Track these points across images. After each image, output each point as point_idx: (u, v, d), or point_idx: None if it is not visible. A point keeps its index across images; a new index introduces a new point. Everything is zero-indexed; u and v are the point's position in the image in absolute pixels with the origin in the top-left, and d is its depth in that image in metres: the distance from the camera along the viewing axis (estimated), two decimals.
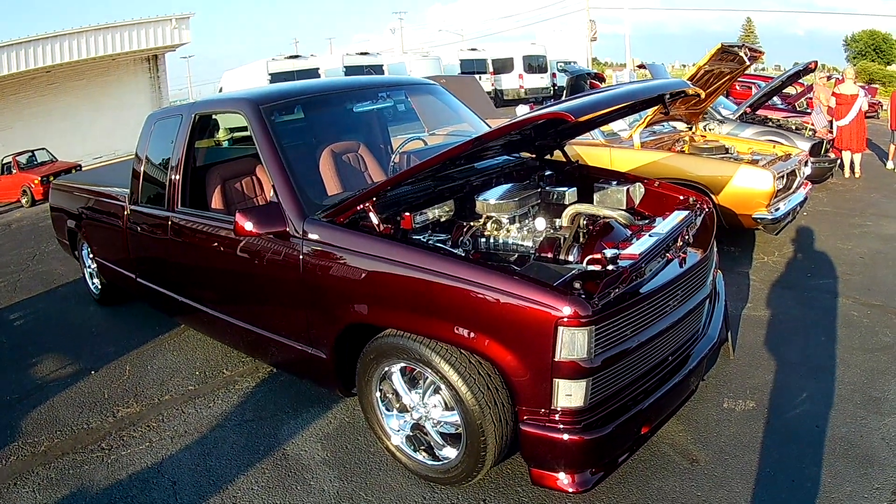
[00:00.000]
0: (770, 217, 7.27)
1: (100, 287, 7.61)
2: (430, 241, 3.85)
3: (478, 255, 3.84)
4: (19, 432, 5.03)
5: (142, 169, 5.80)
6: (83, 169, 20.73)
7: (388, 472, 4.03)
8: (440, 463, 3.76)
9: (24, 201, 21.32)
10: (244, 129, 4.90)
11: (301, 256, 3.98)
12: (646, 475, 3.81)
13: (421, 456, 3.86)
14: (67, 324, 7.46)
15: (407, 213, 3.86)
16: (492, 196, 4.01)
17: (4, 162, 23.30)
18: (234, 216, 4.00)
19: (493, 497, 3.72)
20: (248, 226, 3.91)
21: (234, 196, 5.34)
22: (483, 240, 3.94)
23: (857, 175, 12.26)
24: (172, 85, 38.78)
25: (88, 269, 7.79)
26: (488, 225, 3.99)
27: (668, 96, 4.25)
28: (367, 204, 3.77)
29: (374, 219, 3.74)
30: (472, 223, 4.02)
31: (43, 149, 24.15)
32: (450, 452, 3.70)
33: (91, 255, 7.42)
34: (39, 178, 20.68)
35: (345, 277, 3.78)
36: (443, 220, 4.11)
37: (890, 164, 13.21)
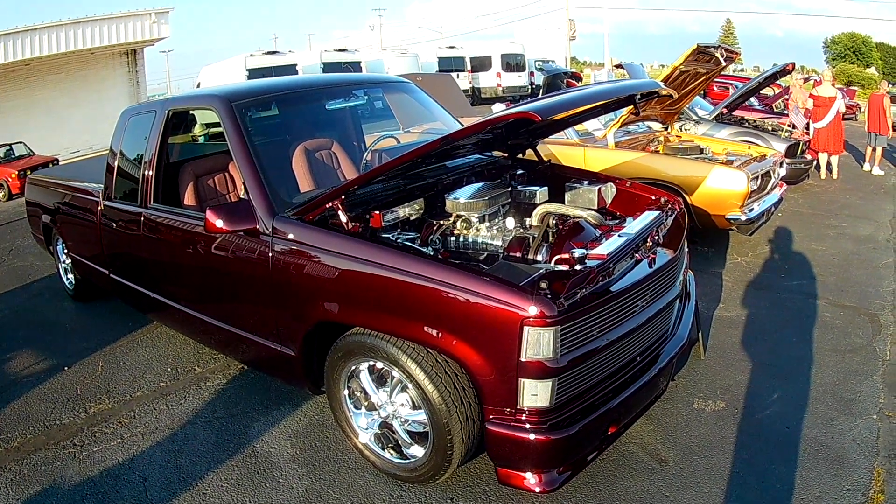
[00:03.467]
0: (744, 218, 7.32)
1: (74, 283, 7.56)
2: (400, 240, 3.85)
3: (447, 254, 3.85)
4: None
5: (116, 164, 5.76)
6: (60, 163, 20.59)
7: (357, 470, 4.04)
8: (408, 461, 3.77)
9: (0, 195, 21.18)
10: (218, 124, 4.88)
11: (270, 254, 3.98)
12: (614, 475, 3.83)
13: (389, 454, 3.86)
14: (41, 319, 7.40)
15: (376, 212, 3.86)
16: (462, 195, 4.02)
17: None
18: (205, 213, 4.00)
19: (460, 496, 3.73)
20: (219, 223, 3.90)
21: (206, 193, 5.32)
22: (453, 238, 3.95)
23: (833, 177, 12.36)
24: (151, 79, 38.62)
25: (63, 265, 7.74)
26: (458, 224, 4.00)
27: (638, 97, 4.26)
28: (335, 202, 3.76)
29: (342, 217, 3.74)
30: (442, 222, 4.03)
31: (20, 142, 23.97)
32: (417, 451, 3.71)
33: (66, 251, 7.37)
34: (17, 172, 20.51)
35: (313, 275, 3.78)
36: (413, 218, 4.11)
37: (867, 167, 13.32)
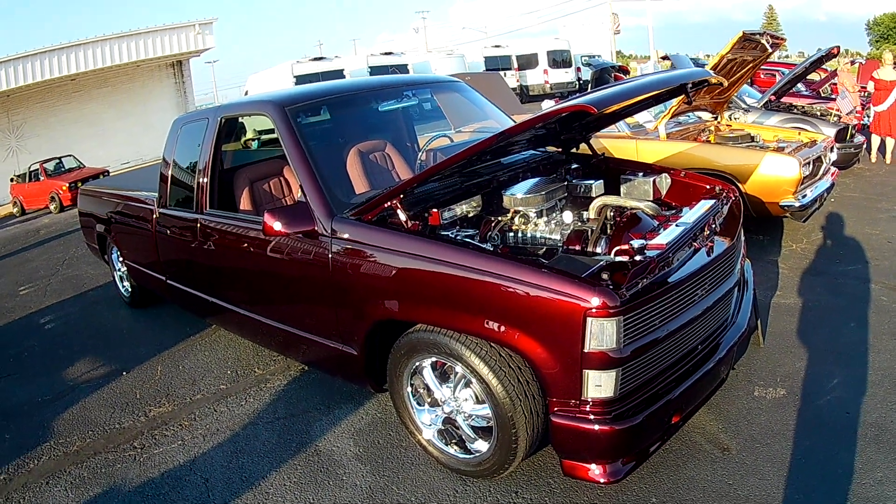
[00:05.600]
0: (797, 204, 7.23)
1: (130, 290, 7.69)
2: (458, 237, 3.86)
3: (506, 250, 3.85)
4: (52, 433, 5.12)
5: (169, 173, 5.86)
6: (110, 174, 20.92)
7: (420, 466, 4.06)
8: (472, 456, 3.78)
9: (52, 207, 21.62)
10: (271, 131, 4.94)
11: (330, 255, 4.01)
12: (677, 464, 3.81)
13: (452, 449, 3.88)
14: (98, 326, 7.55)
15: (434, 210, 3.89)
16: (519, 190, 4.03)
17: (32, 169, 23.63)
18: (262, 217, 4.05)
19: (524, 489, 3.73)
20: (277, 226, 3.95)
21: (262, 197, 5.38)
22: (511, 234, 3.96)
23: (886, 161, 12.11)
24: (197, 90, 39.07)
25: (118, 273, 7.88)
26: (516, 219, 4.00)
27: (690, 86, 4.25)
28: (394, 201, 3.79)
29: (401, 215, 3.76)
30: (499, 218, 4.04)
31: (70, 155, 24.47)
32: (481, 445, 3.72)
33: (121, 259, 7.50)
34: (67, 185, 20.97)
35: (374, 274, 3.81)
36: (470, 215, 4.12)
37: None
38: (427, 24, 62.11)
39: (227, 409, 5.07)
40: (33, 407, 5.64)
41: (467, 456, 3.81)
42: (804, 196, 7.35)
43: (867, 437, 3.89)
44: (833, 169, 8.44)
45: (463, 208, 4.07)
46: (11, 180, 25.01)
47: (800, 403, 4.31)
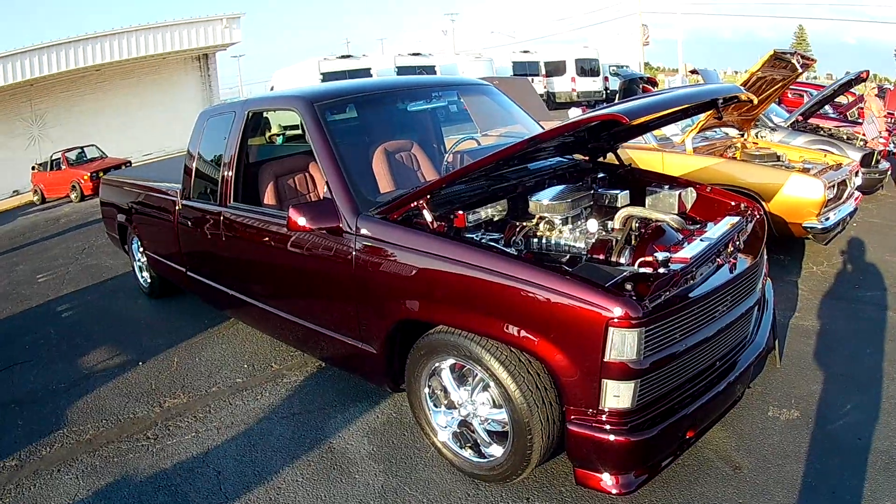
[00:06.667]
0: (820, 226, 7.19)
1: (149, 280, 7.74)
2: (483, 240, 3.86)
3: (530, 255, 3.85)
4: (65, 420, 5.15)
5: (194, 165, 5.90)
6: (132, 165, 21.03)
7: (434, 467, 4.06)
8: (486, 460, 3.78)
9: (73, 196, 21.73)
10: (295, 126, 4.95)
11: (353, 252, 4.03)
12: (688, 480, 3.79)
13: (467, 453, 3.88)
14: (116, 316, 7.60)
15: (460, 212, 3.90)
16: (545, 196, 4.02)
17: (53, 158, 23.76)
18: (287, 212, 4.06)
19: (536, 496, 3.73)
20: (302, 221, 3.97)
21: (286, 192, 5.40)
22: (535, 240, 3.95)
23: None
24: (223, 83, 39.25)
25: (138, 263, 7.92)
26: (541, 225, 4.00)
27: (721, 101, 4.24)
28: (421, 201, 3.80)
29: (427, 216, 3.77)
30: (524, 223, 4.04)
31: (92, 145, 24.58)
32: (496, 450, 3.72)
33: (141, 249, 7.54)
34: (89, 174, 21.07)
35: (397, 273, 3.82)
36: (496, 219, 4.13)
37: None
38: (455, 26, 62.24)
39: (243, 403, 5.08)
40: (47, 394, 5.67)
41: (481, 460, 3.81)
42: (827, 219, 7.31)
43: (877, 465, 3.86)
44: (857, 193, 8.39)
45: (488, 212, 4.07)
46: (33, 168, 25.15)
47: (813, 426, 4.28)
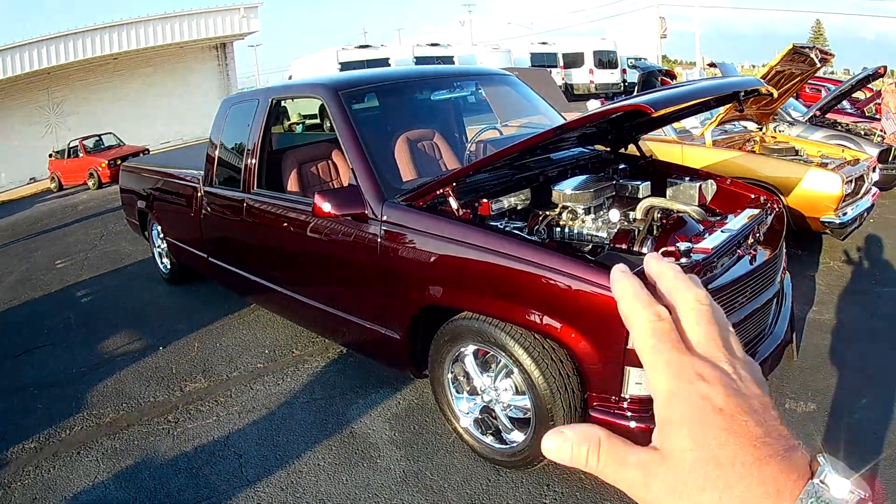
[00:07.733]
0: (838, 221, 7.19)
1: (169, 266, 7.79)
2: (507, 228, 3.89)
3: (553, 244, 3.88)
4: (85, 404, 5.20)
5: (216, 152, 5.93)
6: (150, 153, 21.11)
7: (455, 453, 4.09)
8: (507, 446, 3.82)
9: (90, 184, 21.81)
10: (314, 115, 4.98)
11: (378, 239, 4.05)
12: None
13: (488, 439, 3.91)
14: (136, 301, 7.65)
15: (485, 200, 3.93)
16: (568, 186, 4.04)
17: (71, 146, 23.84)
18: (311, 198, 4.11)
19: (556, 482, 3.76)
20: (327, 207, 3.99)
21: (309, 179, 5.44)
22: (558, 229, 3.99)
23: None
24: (240, 72, 39.28)
25: (158, 249, 7.98)
26: (563, 214, 4.03)
27: (742, 94, 4.26)
28: (447, 189, 3.82)
29: (453, 203, 3.79)
30: (547, 212, 4.06)
31: (110, 133, 24.65)
32: (517, 436, 3.76)
33: (161, 236, 7.59)
34: (106, 162, 21.14)
35: (422, 260, 3.85)
36: (519, 208, 4.16)
37: None
38: (472, 17, 62.17)
39: (264, 388, 5.12)
40: (67, 378, 5.72)
41: (503, 446, 3.85)
42: (845, 214, 7.31)
43: (892, 460, 3.88)
44: (874, 189, 8.39)
45: (512, 200, 4.10)
46: (50, 156, 25.22)
47: (828, 419, 4.30)
